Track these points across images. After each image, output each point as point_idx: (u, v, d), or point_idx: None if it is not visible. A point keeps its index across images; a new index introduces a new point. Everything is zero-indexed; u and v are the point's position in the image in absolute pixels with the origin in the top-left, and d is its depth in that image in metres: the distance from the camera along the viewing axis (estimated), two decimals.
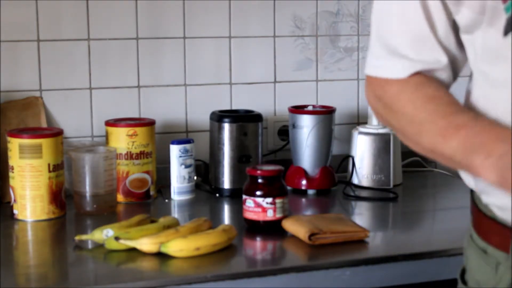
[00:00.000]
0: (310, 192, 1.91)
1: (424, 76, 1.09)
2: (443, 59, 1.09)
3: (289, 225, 1.54)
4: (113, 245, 1.43)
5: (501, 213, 1.03)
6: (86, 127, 1.99)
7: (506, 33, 0.98)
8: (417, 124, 1.05)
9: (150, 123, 1.85)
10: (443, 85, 1.09)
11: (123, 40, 2.00)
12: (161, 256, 1.41)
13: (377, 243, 1.56)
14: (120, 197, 1.81)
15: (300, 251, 1.47)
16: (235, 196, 1.83)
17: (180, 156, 1.84)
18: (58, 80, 1.96)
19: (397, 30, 1.11)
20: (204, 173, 2.00)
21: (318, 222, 1.52)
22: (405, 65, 1.09)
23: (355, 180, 1.98)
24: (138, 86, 2.03)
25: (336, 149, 2.04)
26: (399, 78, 1.09)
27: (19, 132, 1.69)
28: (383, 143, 1.97)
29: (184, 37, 2.05)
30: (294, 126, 1.93)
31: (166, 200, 1.85)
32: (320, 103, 2.12)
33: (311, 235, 1.46)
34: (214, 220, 1.59)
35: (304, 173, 1.92)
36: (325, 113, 1.93)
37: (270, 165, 1.63)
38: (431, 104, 1.05)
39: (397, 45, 1.10)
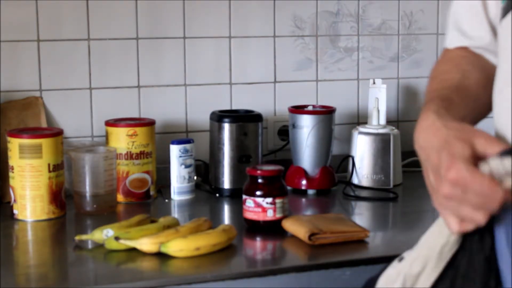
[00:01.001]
0: (310, 192, 1.91)
1: (463, 51, 1.19)
2: (487, 37, 1.15)
3: (289, 225, 1.54)
4: (113, 245, 1.43)
5: None
6: (86, 127, 1.99)
7: (500, 20, 1.04)
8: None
9: (150, 123, 1.85)
10: (471, 62, 1.16)
11: (123, 40, 2.00)
12: (161, 256, 1.41)
13: (377, 243, 1.56)
14: (120, 197, 1.81)
15: (300, 251, 1.47)
16: (235, 196, 1.83)
17: (180, 156, 1.84)
18: (58, 80, 1.96)
19: (460, 6, 1.20)
20: (204, 173, 2.00)
21: (318, 222, 1.52)
22: (455, 37, 1.20)
23: (355, 180, 1.98)
24: (138, 86, 2.03)
25: (336, 149, 2.04)
26: (447, 48, 1.22)
27: (19, 132, 1.69)
28: (383, 143, 1.97)
29: (184, 37, 2.05)
30: (294, 126, 1.93)
31: (166, 200, 1.85)
32: (320, 103, 2.12)
33: (311, 235, 1.46)
34: (214, 220, 1.59)
35: (304, 173, 1.92)
36: (325, 113, 1.93)
37: (270, 165, 1.63)
38: (436, 78, 1.15)
39: (458, 19, 1.20)
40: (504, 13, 1.03)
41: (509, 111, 0.98)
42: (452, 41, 1.22)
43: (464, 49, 1.19)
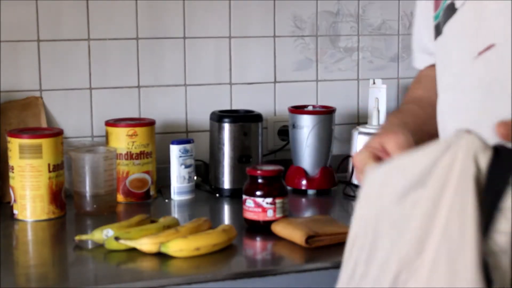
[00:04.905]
0: (310, 192, 1.91)
1: (429, 70, 1.25)
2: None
3: (281, 229, 1.52)
4: (113, 245, 1.43)
5: None
6: (86, 127, 1.99)
7: (435, 38, 1.13)
8: None
9: (150, 123, 1.85)
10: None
11: (123, 40, 2.00)
12: (161, 256, 1.41)
13: None
14: (120, 197, 1.81)
15: (300, 252, 1.46)
16: (235, 196, 1.82)
17: (180, 156, 1.84)
18: (58, 80, 1.96)
19: (422, 28, 1.26)
20: (204, 173, 2.00)
21: (312, 225, 1.50)
22: (421, 58, 1.30)
23: (355, 180, 1.98)
24: (138, 86, 2.03)
25: (336, 149, 2.04)
26: (419, 68, 1.33)
27: (19, 132, 1.69)
28: None
29: (184, 37, 2.05)
30: (294, 126, 1.93)
31: (166, 200, 1.85)
32: (320, 103, 2.12)
33: (308, 238, 1.45)
34: (214, 220, 1.59)
35: (304, 173, 1.91)
36: (325, 113, 1.93)
37: (270, 165, 1.63)
38: (405, 97, 1.29)
39: (422, 39, 1.27)
40: (436, 33, 1.11)
41: (442, 114, 1.11)
42: (420, 62, 1.31)
43: (430, 67, 1.26)
